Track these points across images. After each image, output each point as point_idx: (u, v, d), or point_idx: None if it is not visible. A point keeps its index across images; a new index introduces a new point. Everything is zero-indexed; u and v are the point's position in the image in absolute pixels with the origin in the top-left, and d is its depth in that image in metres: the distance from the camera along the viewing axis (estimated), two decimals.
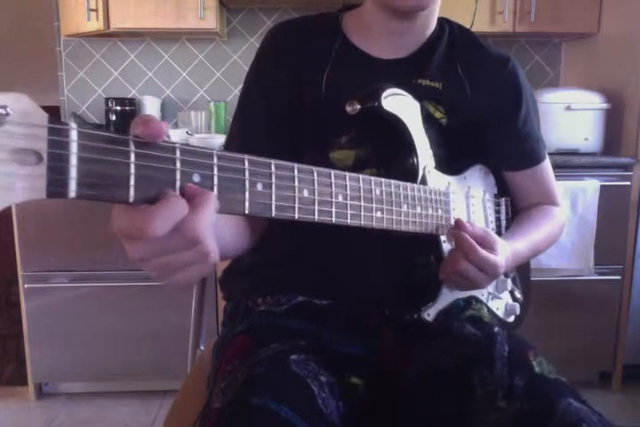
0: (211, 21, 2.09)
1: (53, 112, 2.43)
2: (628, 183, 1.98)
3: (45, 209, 1.89)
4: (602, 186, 1.93)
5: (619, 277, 2.04)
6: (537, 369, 0.71)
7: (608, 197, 1.95)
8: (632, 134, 2.03)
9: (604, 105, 2.06)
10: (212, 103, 2.35)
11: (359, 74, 0.85)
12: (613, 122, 2.09)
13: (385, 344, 0.83)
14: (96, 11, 2.05)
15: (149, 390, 2.05)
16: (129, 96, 2.41)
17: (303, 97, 0.84)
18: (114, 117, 2.30)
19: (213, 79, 2.45)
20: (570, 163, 1.95)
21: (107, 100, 2.31)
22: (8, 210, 1.83)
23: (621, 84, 2.10)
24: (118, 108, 2.29)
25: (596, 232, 1.95)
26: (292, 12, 2.40)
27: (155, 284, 1.79)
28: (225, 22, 2.39)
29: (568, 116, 2.04)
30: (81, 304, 1.93)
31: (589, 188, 1.93)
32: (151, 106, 2.36)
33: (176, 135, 2.30)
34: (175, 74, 2.44)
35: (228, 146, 0.89)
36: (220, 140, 2.11)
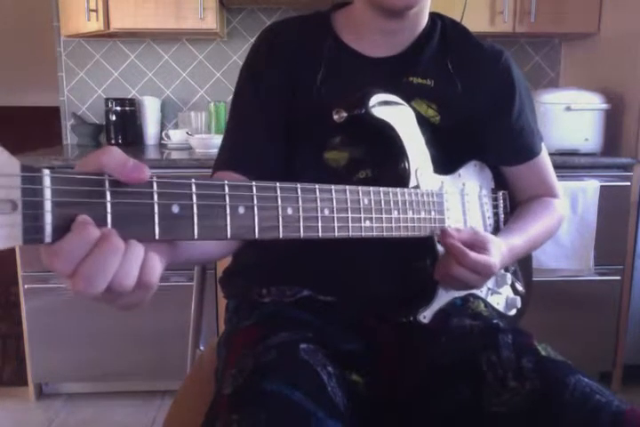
0: (211, 21, 2.09)
1: (53, 112, 2.43)
2: (628, 183, 1.97)
3: None
4: (602, 186, 1.93)
5: (619, 278, 2.04)
6: (543, 353, 0.72)
7: (608, 198, 1.94)
8: (632, 134, 2.03)
9: (604, 105, 2.05)
10: (212, 104, 2.35)
11: (351, 73, 0.84)
12: (613, 122, 2.09)
13: (384, 344, 0.83)
14: (96, 11, 2.05)
15: (149, 390, 2.04)
16: (129, 96, 2.40)
17: (297, 96, 0.83)
18: (114, 118, 2.30)
19: (213, 79, 2.45)
20: (570, 163, 1.94)
21: (107, 100, 2.31)
22: None
23: (621, 84, 2.09)
24: (118, 108, 2.29)
25: (596, 232, 1.94)
26: (292, 12, 2.40)
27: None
28: (225, 22, 2.39)
29: (568, 116, 2.04)
30: (81, 304, 1.92)
31: (589, 188, 1.92)
32: (151, 106, 2.35)
33: (176, 136, 2.30)
34: (175, 74, 2.44)
35: (223, 148, 0.90)
36: (219, 140, 2.11)
